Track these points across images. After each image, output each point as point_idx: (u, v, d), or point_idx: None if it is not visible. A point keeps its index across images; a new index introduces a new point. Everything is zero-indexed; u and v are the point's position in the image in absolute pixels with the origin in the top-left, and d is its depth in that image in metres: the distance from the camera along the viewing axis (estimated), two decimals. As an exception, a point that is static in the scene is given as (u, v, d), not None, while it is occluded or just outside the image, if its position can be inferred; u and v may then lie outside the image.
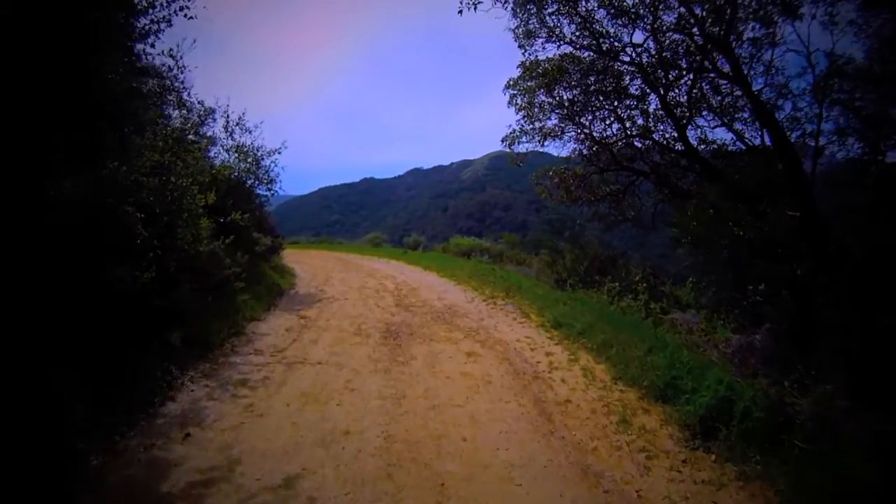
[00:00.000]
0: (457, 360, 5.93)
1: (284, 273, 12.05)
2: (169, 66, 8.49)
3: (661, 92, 10.09)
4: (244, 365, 5.61)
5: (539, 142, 12.61)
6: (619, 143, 12.15)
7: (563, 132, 12.40)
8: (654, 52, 9.73)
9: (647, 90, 10.68)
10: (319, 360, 5.75)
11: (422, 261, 16.09)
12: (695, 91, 9.76)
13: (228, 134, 10.32)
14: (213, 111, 10.49)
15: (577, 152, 12.20)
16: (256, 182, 10.73)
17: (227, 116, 10.41)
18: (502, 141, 13.00)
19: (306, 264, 16.34)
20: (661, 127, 11.02)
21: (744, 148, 9.46)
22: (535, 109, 12.30)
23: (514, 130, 12.71)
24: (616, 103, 11.40)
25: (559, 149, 12.26)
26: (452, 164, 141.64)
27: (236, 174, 10.30)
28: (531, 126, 12.60)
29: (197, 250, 6.61)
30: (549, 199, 13.24)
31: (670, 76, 9.88)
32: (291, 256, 18.43)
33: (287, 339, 6.64)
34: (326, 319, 7.73)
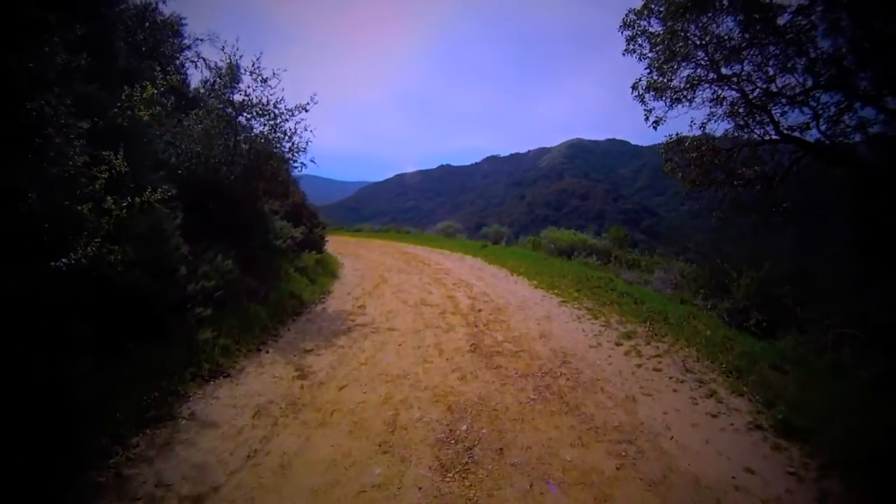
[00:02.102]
0: None
1: (319, 275, 8.79)
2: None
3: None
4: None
5: (670, 100, 8.87)
6: (788, 104, 7.93)
7: (696, 88, 8.54)
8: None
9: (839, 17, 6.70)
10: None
11: (506, 259, 12.16)
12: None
13: (229, 81, 7.11)
14: (237, 68, 7.39)
15: (720, 118, 8.39)
16: (277, 148, 7.47)
17: (230, 58, 7.20)
18: (632, 88, 9.26)
19: (362, 259, 13.21)
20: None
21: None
22: (678, 43, 8.36)
23: (651, 72, 8.93)
24: (788, 43, 7.21)
25: (694, 110, 8.48)
26: (529, 151, 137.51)
27: (245, 137, 7.12)
28: (668, 69, 8.78)
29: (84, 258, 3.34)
30: (682, 181, 9.12)
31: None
32: (347, 247, 15.56)
33: (237, 453, 3.14)
34: (339, 387, 4.13)
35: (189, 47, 9.81)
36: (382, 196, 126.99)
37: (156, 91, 4.09)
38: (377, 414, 3.61)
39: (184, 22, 9.58)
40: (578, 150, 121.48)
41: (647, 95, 8.75)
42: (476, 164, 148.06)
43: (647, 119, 8.70)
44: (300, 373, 4.43)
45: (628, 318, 6.71)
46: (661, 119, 8.50)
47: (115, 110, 3.89)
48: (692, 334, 6.00)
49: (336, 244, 15.59)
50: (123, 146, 3.66)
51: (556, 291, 8.38)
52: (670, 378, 4.71)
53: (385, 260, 12.99)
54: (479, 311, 6.98)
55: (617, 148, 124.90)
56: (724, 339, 5.79)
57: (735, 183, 8.56)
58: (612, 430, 3.59)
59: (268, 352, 5.01)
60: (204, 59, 9.85)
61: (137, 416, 3.50)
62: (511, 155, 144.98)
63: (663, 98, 8.62)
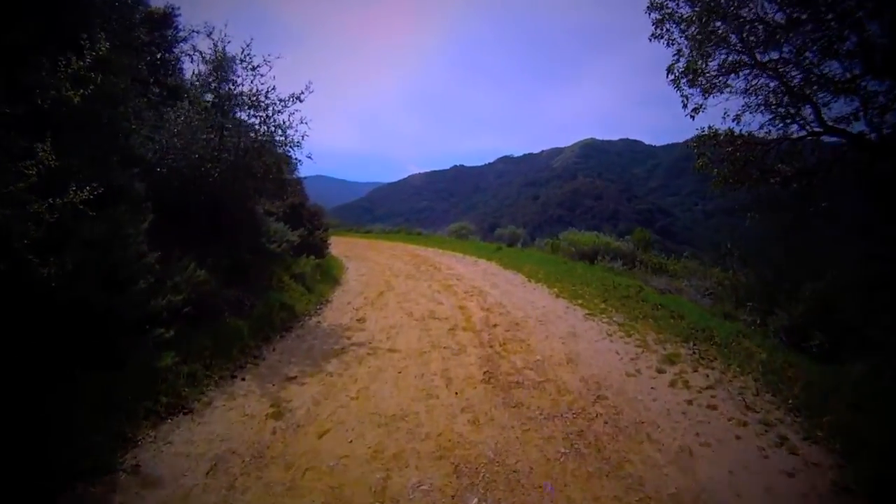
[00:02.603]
0: None
1: (317, 283, 8.04)
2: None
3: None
4: None
5: (702, 89, 7.93)
6: (832, 92, 7.11)
7: (733, 74, 7.69)
8: None
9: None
10: None
11: (522, 263, 11.29)
12: None
13: (214, 67, 6.41)
14: (226, 56, 6.70)
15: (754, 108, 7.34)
16: (269, 143, 6.75)
17: (217, 45, 6.50)
18: (667, 71, 8.29)
19: (368, 262, 12.49)
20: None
21: None
22: (716, 21, 7.52)
23: (681, 59, 8.08)
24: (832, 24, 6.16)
25: (728, 101, 7.28)
26: (543, 151, 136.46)
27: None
28: (703, 52, 7.89)
29: None
30: (717, 177, 8.20)
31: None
32: (354, 249, 14.88)
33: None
34: (319, 433, 3.33)
35: (185, 40, 9.20)
36: (395, 196, 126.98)
37: (83, 64, 3.36)
38: (362, 476, 2.80)
39: (177, 13, 8.96)
40: (592, 150, 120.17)
41: (682, 81, 7.84)
42: (489, 164, 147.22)
43: (684, 106, 7.73)
44: (276, 409, 3.65)
45: (667, 336, 5.83)
46: (700, 107, 7.57)
47: (37, 91, 3.16)
48: (745, 358, 5.10)
49: (343, 246, 14.91)
50: (51, 135, 2.93)
51: (580, 302, 7.50)
52: (729, 420, 3.82)
53: (393, 264, 12.23)
54: (495, 326, 6.15)
55: (630, 148, 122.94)
56: (784, 365, 4.88)
57: (772, 180, 7.68)
58: (668, 501, 2.74)
59: (243, 379, 4.25)
60: (200, 52, 9.25)
61: (70, 467, 2.80)
62: (524, 155, 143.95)
63: (697, 85, 7.73)
